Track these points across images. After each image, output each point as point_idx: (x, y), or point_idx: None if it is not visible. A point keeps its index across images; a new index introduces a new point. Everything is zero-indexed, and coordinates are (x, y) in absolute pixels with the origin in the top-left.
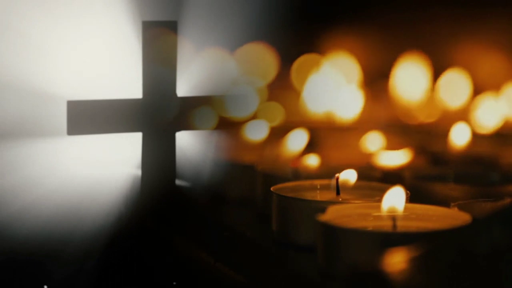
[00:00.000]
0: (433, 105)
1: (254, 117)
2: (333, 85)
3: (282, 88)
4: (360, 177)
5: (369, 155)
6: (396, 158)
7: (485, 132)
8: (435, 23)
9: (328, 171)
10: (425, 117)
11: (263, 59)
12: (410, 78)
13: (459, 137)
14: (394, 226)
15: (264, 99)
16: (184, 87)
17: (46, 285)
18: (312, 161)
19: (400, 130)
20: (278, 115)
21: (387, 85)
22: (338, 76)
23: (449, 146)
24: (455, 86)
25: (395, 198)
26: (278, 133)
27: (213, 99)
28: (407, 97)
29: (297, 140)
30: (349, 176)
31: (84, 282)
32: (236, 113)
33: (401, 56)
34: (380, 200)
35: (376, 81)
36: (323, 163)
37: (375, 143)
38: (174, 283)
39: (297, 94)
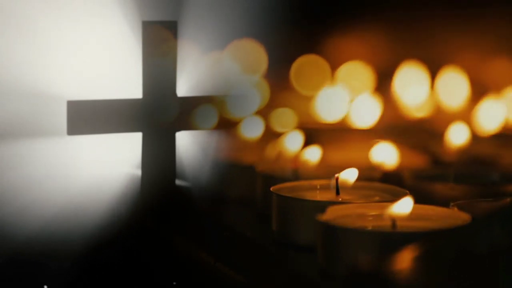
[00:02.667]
0: (434, 106)
1: (254, 115)
2: (345, 92)
3: (282, 89)
4: (360, 177)
5: (369, 156)
6: (396, 158)
7: (485, 133)
8: (437, 23)
9: (328, 171)
10: (426, 118)
11: (254, 55)
12: (411, 79)
13: (457, 137)
14: (394, 226)
15: (265, 100)
16: (184, 87)
17: (46, 285)
18: (312, 161)
19: (401, 130)
20: (291, 121)
21: (389, 86)
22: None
23: (448, 146)
24: (455, 87)
25: (402, 208)
26: (278, 133)
27: (213, 99)
28: (408, 98)
29: (296, 140)
30: (350, 175)
31: (84, 282)
32: (236, 113)
33: (403, 57)
34: (379, 200)
35: (379, 82)
36: (323, 163)
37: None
38: (174, 283)
39: (297, 95)
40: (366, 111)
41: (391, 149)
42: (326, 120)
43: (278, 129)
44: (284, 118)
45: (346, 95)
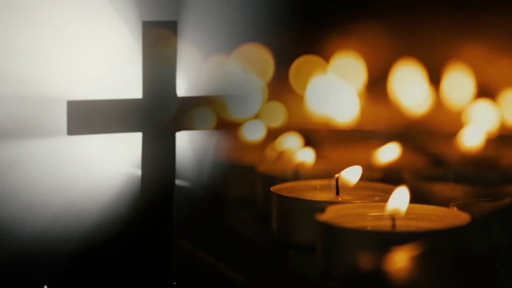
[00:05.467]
0: (435, 105)
1: (254, 117)
2: (337, 88)
3: (282, 89)
4: (360, 177)
5: (370, 156)
6: (396, 157)
7: (485, 132)
8: (437, 23)
9: (328, 172)
10: (426, 118)
11: (260, 59)
12: (412, 79)
13: (470, 139)
14: (394, 225)
15: (265, 100)
16: (184, 87)
17: (46, 285)
18: (312, 161)
19: (401, 130)
20: (280, 116)
21: (389, 85)
22: (342, 79)
23: (449, 146)
24: (456, 86)
25: (399, 199)
26: (278, 134)
27: (213, 99)
28: (408, 98)
29: (296, 141)
30: (353, 173)
31: (84, 282)
32: (237, 114)
33: (403, 57)
34: (379, 200)
35: (378, 81)
36: (323, 164)
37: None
38: (174, 283)
39: (296, 95)
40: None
41: (393, 151)
42: (320, 116)
43: (267, 124)
44: (274, 112)
45: (339, 89)
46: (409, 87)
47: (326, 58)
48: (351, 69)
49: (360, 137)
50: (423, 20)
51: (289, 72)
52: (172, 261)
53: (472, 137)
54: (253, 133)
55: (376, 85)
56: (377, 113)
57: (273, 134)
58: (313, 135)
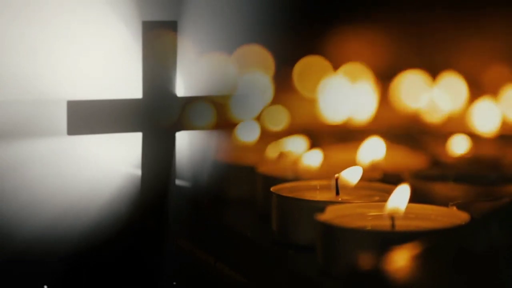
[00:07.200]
0: (435, 107)
1: (256, 119)
2: (342, 89)
3: (283, 90)
4: (360, 177)
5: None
6: (396, 158)
7: (485, 133)
8: (437, 24)
9: (328, 172)
10: (426, 119)
11: (261, 59)
12: (411, 80)
13: (460, 145)
14: (393, 225)
15: (268, 101)
16: (184, 87)
17: (46, 285)
18: (312, 162)
19: (402, 131)
20: (282, 118)
21: (389, 87)
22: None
23: (450, 153)
24: (456, 89)
25: (400, 198)
26: (278, 134)
27: (213, 99)
28: (409, 99)
29: (297, 141)
30: (353, 173)
31: (83, 282)
32: (238, 115)
33: (404, 58)
34: (379, 200)
35: (379, 82)
36: (324, 165)
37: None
38: (174, 283)
39: (299, 96)
40: (368, 112)
41: (382, 145)
42: (329, 120)
43: (270, 126)
44: (276, 115)
45: (348, 95)
46: (410, 88)
47: (327, 58)
48: (353, 69)
49: (362, 138)
50: (424, 21)
51: (291, 73)
52: (172, 261)
53: (472, 138)
54: (253, 133)
55: (378, 85)
56: (379, 113)
57: (273, 134)
58: (314, 135)
